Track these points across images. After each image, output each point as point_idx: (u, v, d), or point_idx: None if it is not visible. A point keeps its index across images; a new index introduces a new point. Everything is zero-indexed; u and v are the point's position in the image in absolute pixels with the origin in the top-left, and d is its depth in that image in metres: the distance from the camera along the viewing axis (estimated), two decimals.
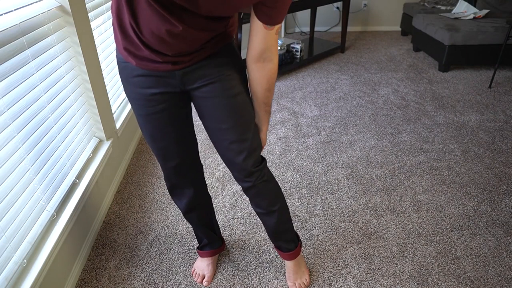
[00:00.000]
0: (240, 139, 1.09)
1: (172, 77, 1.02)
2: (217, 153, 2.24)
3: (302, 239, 1.64)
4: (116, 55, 1.06)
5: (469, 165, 2.12)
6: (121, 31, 0.94)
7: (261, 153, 2.18)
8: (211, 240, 1.44)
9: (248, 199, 1.87)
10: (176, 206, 1.39)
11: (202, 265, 1.46)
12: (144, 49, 0.94)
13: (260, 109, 1.12)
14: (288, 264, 1.42)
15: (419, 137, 2.40)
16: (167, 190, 1.93)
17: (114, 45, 2.10)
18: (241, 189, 1.94)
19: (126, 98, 2.29)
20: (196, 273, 1.46)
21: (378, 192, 1.92)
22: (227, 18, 0.97)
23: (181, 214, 1.77)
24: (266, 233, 1.47)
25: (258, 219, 1.74)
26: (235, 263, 1.53)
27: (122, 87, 2.24)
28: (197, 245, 1.61)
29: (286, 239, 1.36)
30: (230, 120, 1.06)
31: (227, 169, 2.05)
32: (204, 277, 1.44)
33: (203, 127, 2.39)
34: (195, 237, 1.65)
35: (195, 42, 0.94)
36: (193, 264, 1.52)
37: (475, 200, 1.86)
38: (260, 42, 0.97)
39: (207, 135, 2.40)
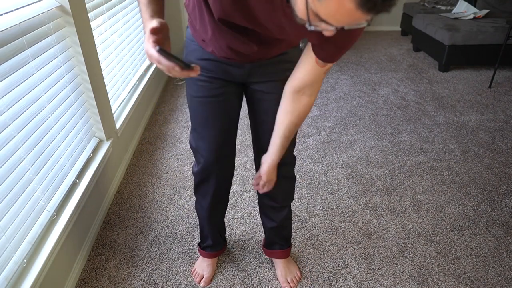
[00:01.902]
0: (286, 135, 1.14)
1: (241, 67, 1.04)
2: None
3: (302, 239, 1.64)
4: (187, 35, 1.08)
5: (469, 165, 2.12)
6: (202, 25, 0.94)
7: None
8: (215, 242, 1.44)
9: (247, 199, 1.87)
10: (196, 207, 1.38)
11: (202, 265, 1.46)
12: (225, 49, 0.97)
13: (277, 142, 1.06)
14: (280, 262, 1.46)
15: (419, 137, 2.40)
16: (167, 190, 1.93)
17: (114, 45, 2.10)
18: (241, 189, 1.94)
19: (126, 97, 2.29)
20: (196, 273, 1.46)
21: (378, 192, 1.92)
22: None
23: (181, 214, 1.77)
24: (265, 235, 1.47)
25: (258, 219, 1.74)
26: (235, 263, 1.53)
27: (121, 87, 2.24)
28: (198, 243, 1.61)
29: (284, 237, 1.42)
30: None
31: None
32: (202, 277, 1.44)
33: None
34: (194, 237, 1.65)
35: (269, 54, 1.00)
36: (193, 263, 1.52)
37: (475, 200, 1.86)
38: (306, 74, 0.93)
39: None
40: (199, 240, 1.63)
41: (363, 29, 0.76)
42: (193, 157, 2.20)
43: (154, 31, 0.75)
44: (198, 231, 1.68)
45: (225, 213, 1.44)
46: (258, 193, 1.36)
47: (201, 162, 1.21)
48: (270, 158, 1.10)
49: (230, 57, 1.00)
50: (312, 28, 0.62)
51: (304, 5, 0.59)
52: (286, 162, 1.23)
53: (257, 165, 1.27)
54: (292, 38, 0.90)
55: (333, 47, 0.84)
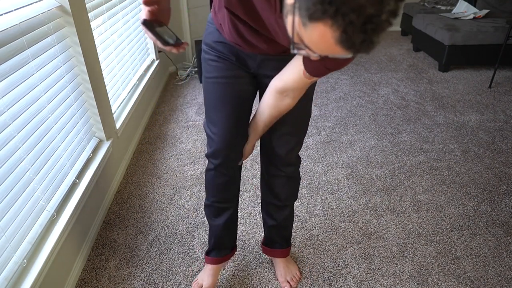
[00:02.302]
0: (292, 132, 1.15)
1: (253, 58, 1.05)
2: None
3: (302, 239, 1.64)
4: (208, 18, 1.09)
5: (469, 165, 2.12)
6: (220, 10, 0.96)
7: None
8: (220, 244, 1.38)
9: (247, 199, 1.87)
10: (205, 203, 1.36)
11: (203, 275, 1.42)
12: (234, 40, 0.99)
13: (258, 129, 1.12)
14: (279, 262, 1.45)
15: (419, 137, 2.40)
16: (167, 190, 1.93)
17: (114, 45, 2.10)
18: (241, 189, 1.94)
19: (126, 97, 2.29)
20: (196, 283, 1.42)
21: (378, 192, 1.92)
22: None
23: (181, 214, 1.77)
24: (264, 233, 1.47)
25: (258, 219, 1.74)
26: (235, 263, 1.53)
27: (121, 87, 2.24)
28: (198, 244, 1.61)
29: (284, 236, 1.42)
30: (290, 115, 1.10)
31: None
32: (201, 286, 1.40)
33: None
34: (194, 237, 1.65)
35: (279, 49, 0.99)
36: (193, 264, 1.52)
37: (475, 200, 1.86)
38: (292, 80, 0.94)
39: None
40: (201, 240, 1.63)
41: (351, 59, 0.76)
42: (193, 157, 2.21)
43: (146, 2, 0.76)
44: (199, 231, 1.68)
45: (235, 216, 1.36)
46: (261, 190, 1.36)
47: (212, 146, 1.20)
48: (248, 143, 1.17)
49: (243, 46, 1.00)
50: (295, 51, 0.61)
51: (291, 27, 0.58)
52: (292, 163, 1.23)
53: (261, 162, 1.29)
54: (285, 45, 0.89)
55: (322, 66, 0.85)
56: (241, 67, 1.09)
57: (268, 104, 1.04)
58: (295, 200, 1.35)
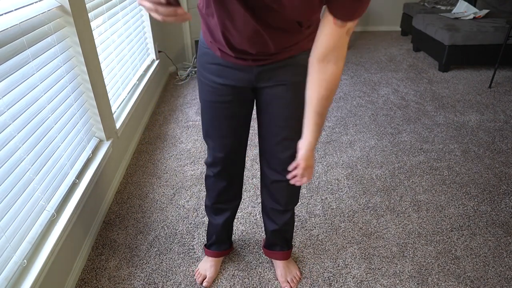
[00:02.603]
0: (292, 137, 1.15)
1: (249, 71, 1.05)
2: None
3: (302, 239, 1.64)
4: (200, 39, 1.10)
5: (469, 165, 2.12)
6: (207, 28, 0.97)
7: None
8: (220, 240, 1.44)
9: (247, 199, 1.87)
10: (205, 202, 1.41)
11: (205, 266, 1.46)
12: (229, 50, 0.99)
13: (310, 120, 0.98)
14: (280, 263, 1.46)
15: (419, 137, 2.40)
16: (167, 190, 1.93)
17: (114, 45, 2.10)
18: None
19: (126, 97, 2.29)
20: (198, 273, 1.46)
21: (378, 192, 1.92)
22: (309, 24, 0.98)
23: (181, 214, 1.77)
24: (265, 236, 1.47)
25: (258, 219, 1.74)
26: (235, 263, 1.53)
27: (121, 87, 2.24)
28: (198, 244, 1.61)
29: (285, 239, 1.42)
30: (290, 120, 1.12)
31: None
32: (205, 278, 1.44)
33: None
34: (194, 237, 1.65)
35: (277, 43, 0.97)
36: (193, 264, 1.52)
37: (475, 200, 1.86)
38: (327, 39, 0.87)
39: None
40: (201, 240, 1.63)
41: None
42: (193, 157, 2.21)
43: None
44: (199, 231, 1.68)
45: (233, 216, 1.42)
46: (262, 195, 1.36)
47: (211, 157, 1.25)
48: (306, 141, 1.00)
49: (237, 55, 1.00)
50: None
51: None
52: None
53: (262, 166, 1.29)
54: (296, 4, 0.83)
55: (348, 1, 0.78)
56: (238, 88, 1.09)
57: (314, 83, 0.94)
58: (296, 204, 1.36)
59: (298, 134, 1.17)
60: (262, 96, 1.13)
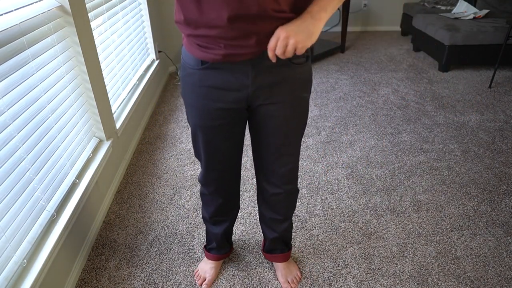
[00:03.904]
0: (291, 153, 1.13)
1: (244, 89, 0.97)
2: None
3: (302, 239, 1.64)
4: (183, 61, 1.01)
5: (469, 165, 2.12)
6: (182, 12, 0.88)
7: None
8: (220, 245, 1.43)
9: (247, 199, 1.87)
10: (202, 211, 1.39)
11: (206, 267, 1.45)
12: (219, 40, 0.88)
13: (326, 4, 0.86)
14: (280, 264, 1.45)
15: (419, 137, 2.40)
16: (167, 190, 1.93)
17: (114, 45, 2.10)
18: (241, 189, 1.94)
19: (126, 97, 2.29)
20: (198, 274, 1.46)
21: (378, 192, 1.92)
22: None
23: (181, 214, 1.77)
24: (265, 241, 1.47)
25: (258, 219, 1.74)
26: (235, 263, 1.53)
27: (121, 87, 2.24)
28: (198, 244, 1.61)
29: (285, 242, 1.42)
30: (288, 137, 1.08)
31: None
32: (204, 280, 1.43)
33: None
34: (194, 237, 1.65)
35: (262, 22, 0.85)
36: (193, 264, 1.52)
37: (475, 200, 1.86)
38: None
39: None
40: (201, 240, 1.63)
41: None
42: (193, 157, 2.21)
43: None
44: (199, 231, 1.68)
45: (233, 223, 1.41)
46: (259, 206, 1.34)
47: (204, 177, 1.21)
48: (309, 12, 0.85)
49: (230, 40, 0.87)
50: None
51: None
52: (292, 181, 1.21)
53: (259, 181, 1.25)
54: None
55: None
56: (230, 111, 1.02)
57: None
58: (294, 210, 1.33)
59: (297, 148, 1.14)
60: (258, 114, 1.05)
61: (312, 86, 3.22)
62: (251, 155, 2.21)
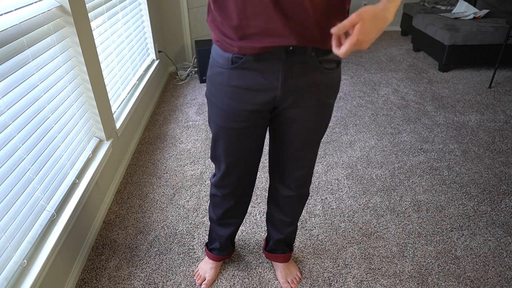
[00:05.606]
0: (309, 157, 1.13)
1: (273, 91, 0.95)
2: None
3: (302, 239, 1.64)
4: (211, 55, 0.99)
5: (469, 165, 2.12)
6: (219, 13, 0.87)
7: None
8: (223, 246, 1.43)
9: None
10: (209, 211, 1.37)
11: (206, 267, 1.45)
12: (249, 30, 0.85)
13: None
14: (280, 264, 1.45)
15: (419, 137, 2.40)
16: (167, 190, 1.93)
17: (114, 45, 2.10)
18: None
19: (126, 97, 2.29)
20: (198, 274, 1.45)
21: (378, 192, 1.92)
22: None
23: (181, 214, 1.77)
24: (267, 241, 1.47)
25: (258, 219, 1.74)
26: (235, 263, 1.53)
27: (121, 87, 2.24)
28: (198, 244, 1.61)
29: (288, 243, 1.42)
30: (308, 142, 1.08)
31: None
32: (204, 279, 1.43)
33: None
34: (194, 237, 1.65)
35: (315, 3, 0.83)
36: (193, 264, 1.52)
37: (475, 200, 1.86)
38: None
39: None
40: (201, 240, 1.63)
41: None
42: (193, 157, 2.21)
43: None
44: (199, 231, 1.68)
45: (239, 226, 1.40)
46: (269, 206, 1.34)
47: (221, 179, 1.19)
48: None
49: (260, 35, 0.85)
50: None
51: None
52: (307, 184, 1.21)
53: (273, 182, 1.25)
54: None
55: None
56: (255, 113, 1.00)
57: None
58: (302, 213, 1.34)
59: (314, 154, 1.14)
60: (282, 117, 1.04)
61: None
62: None
